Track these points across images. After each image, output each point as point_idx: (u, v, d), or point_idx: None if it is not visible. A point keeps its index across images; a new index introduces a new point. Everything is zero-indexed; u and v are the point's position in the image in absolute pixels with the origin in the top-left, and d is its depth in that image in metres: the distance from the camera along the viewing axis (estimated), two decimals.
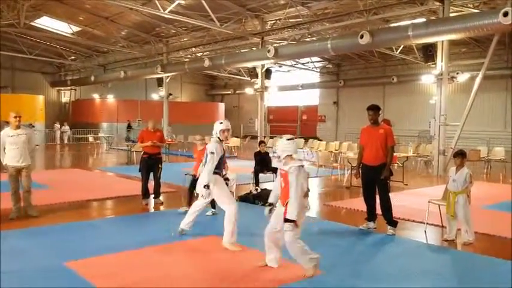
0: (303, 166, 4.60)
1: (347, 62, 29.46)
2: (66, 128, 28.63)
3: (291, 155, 4.60)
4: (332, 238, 6.50)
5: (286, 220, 4.45)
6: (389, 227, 6.60)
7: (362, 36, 13.73)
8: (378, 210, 6.76)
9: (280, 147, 4.66)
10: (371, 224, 6.83)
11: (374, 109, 6.62)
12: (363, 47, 14.76)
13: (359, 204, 8.17)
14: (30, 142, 7.48)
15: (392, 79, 25.85)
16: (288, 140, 4.65)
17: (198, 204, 6.15)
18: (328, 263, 5.20)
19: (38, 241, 6.04)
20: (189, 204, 7.10)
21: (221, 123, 5.94)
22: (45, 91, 32.16)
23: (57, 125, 28.43)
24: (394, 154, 7.00)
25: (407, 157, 13.71)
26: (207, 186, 5.69)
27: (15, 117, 7.25)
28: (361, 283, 4.68)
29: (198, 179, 6.71)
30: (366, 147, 6.71)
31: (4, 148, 7.22)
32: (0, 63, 27.46)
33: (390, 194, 6.74)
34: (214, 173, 5.75)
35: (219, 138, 5.89)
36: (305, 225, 4.87)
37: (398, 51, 20.98)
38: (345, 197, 10.08)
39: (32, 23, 22.18)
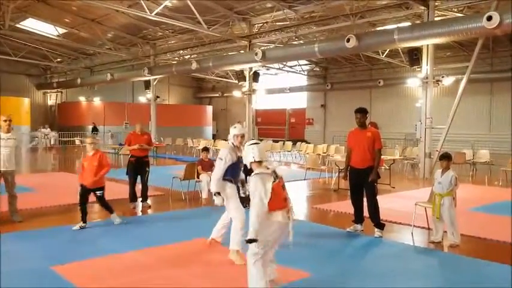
0: (269, 173, 3.97)
1: (334, 65, 29.64)
2: (47, 130, 28.19)
3: (258, 161, 4.08)
4: (320, 240, 6.52)
5: (247, 241, 3.85)
6: (376, 229, 6.63)
7: (348, 40, 13.83)
8: (366, 213, 6.80)
9: (243, 153, 4.28)
10: (358, 227, 6.86)
11: (362, 112, 6.66)
12: (349, 50, 14.85)
13: (346, 206, 8.21)
14: (17, 147, 7.42)
15: (379, 82, 26.07)
16: (250, 144, 4.17)
17: (224, 218, 5.72)
18: (315, 264, 5.24)
19: (24, 245, 5.96)
20: (84, 220, 6.86)
21: (235, 127, 5.50)
22: (31, 94, 31.80)
23: (46, 129, 28.08)
24: (381, 157, 7.03)
25: (394, 160, 13.82)
26: (217, 194, 5.28)
27: (5, 120, 7.14)
28: (349, 284, 4.71)
29: (89, 190, 6.94)
30: (353, 150, 6.75)
31: None
32: None
33: (377, 197, 6.78)
34: (225, 179, 5.30)
35: (233, 144, 5.43)
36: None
37: (385, 54, 21.19)
38: (332, 200, 10.12)
39: (17, 25, 21.92)
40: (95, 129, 28.48)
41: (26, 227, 6.92)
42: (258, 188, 3.81)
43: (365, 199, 6.75)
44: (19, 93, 28.74)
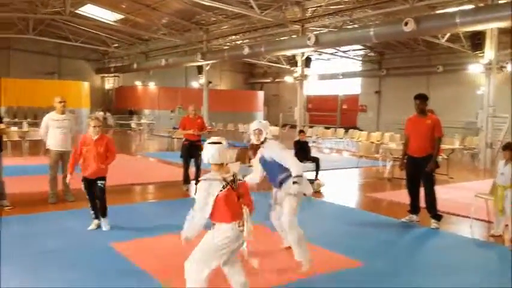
0: (218, 179, 3.36)
1: (390, 50, 28.67)
2: (101, 113, 29.13)
3: (219, 163, 3.42)
4: (372, 229, 6.41)
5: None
6: (433, 220, 6.42)
7: (406, 24, 13.28)
8: (422, 203, 6.58)
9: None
10: (414, 217, 6.66)
11: (421, 98, 6.41)
12: (407, 34, 14.31)
13: (401, 196, 8.00)
14: (72, 128, 7.63)
15: (438, 68, 25.03)
16: (209, 143, 3.49)
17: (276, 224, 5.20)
18: (368, 254, 5.15)
19: (84, 222, 6.24)
20: (97, 217, 5.97)
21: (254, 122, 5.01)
22: (90, 78, 33.08)
23: (100, 112, 29.17)
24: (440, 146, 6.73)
25: (452, 149, 13.26)
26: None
27: (60, 102, 7.41)
28: (403, 275, 4.60)
29: (93, 181, 5.83)
30: (411, 137, 6.52)
31: (47, 132, 7.37)
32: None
33: (435, 187, 6.53)
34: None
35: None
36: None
37: (445, 39, 20.18)
38: (386, 189, 9.88)
39: (77, 11, 22.75)
40: (131, 113, 29.14)
41: (84, 205, 7.21)
42: (199, 196, 3.38)
43: (422, 189, 6.53)
44: (79, 77, 29.95)
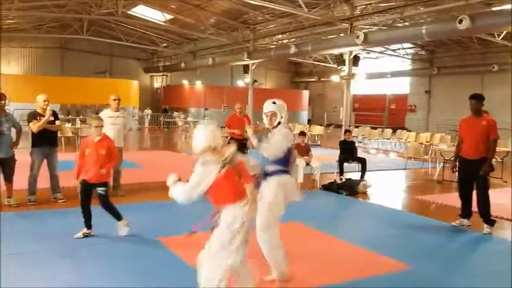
0: (216, 162, 3.28)
1: (442, 48, 27.71)
2: (149, 111, 29.98)
3: (212, 147, 3.31)
4: (421, 232, 6.21)
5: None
6: (485, 225, 6.14)
7: (461, 21, 12.78)
8: (474, 207, 6.31)
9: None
10: (465, 221, 6.39)
11: (477, 98, 6.13)
12: (461, 32, 13.76)
13: (451, 199, 7.73)
14: (126, 125, 7.90)
15: (493, 67, 23.95)
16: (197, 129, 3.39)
17: None
18: (416, 257, 5.00)
19: (131, 217, 6.41)
20: (88, 226, 5.34)
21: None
22: (139, 76, 34.03)
23: (149, 110, 30.00)
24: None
25: (507, 152, 12.62)
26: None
27: (115, 99, 7.67)
28: (452, 281, 4.43)
29: (91, 186, 5.29)
30: (465, 139, 6.25)
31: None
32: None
33: (489, 191, 6.24)
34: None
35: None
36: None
37: (501, 37, 19.30)
38: (435, 191, 9.55)
39: (129, 12, 23.45)
40: (165, 111, 29.69)
41: (132, 200, 7.43)
42: (193, 177, 3.39)
43: (474, 192, 6.25)
44: (129, 75, 30.91)
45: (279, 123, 4.09)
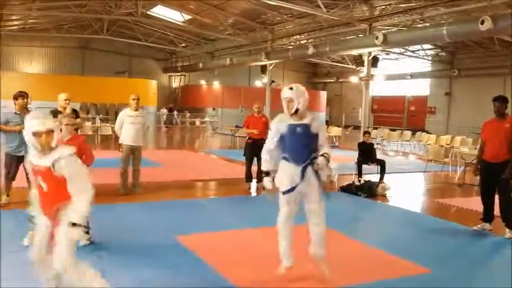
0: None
1: (463, 49, 27.26)
2: (165, 111, 30.15)
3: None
4: (441, 236, 6.11)
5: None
6: (508, 230, 6.01)
7: (482, 22, 12.56)
8: (496, 212, 6.18)
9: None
10: (487, 225, 6.26)
11: (501, 100, 6.00)
12: (483, 33, 13.52)
13: (472, 203, 7.61)
14: (145, 124, 7.98)
15: None
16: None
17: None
18: (436, 261, 4.92)
19: (150, 215, 6.47)
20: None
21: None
22: (158, 76, 34.30)
23: (164, 110, 30.19)
24: None
25: None
26: (265, 174, 4.17)
27: (134, 99, 7.74)
28: (472, 285, 4.36)
29: None
30: (487, 142, 6.13)
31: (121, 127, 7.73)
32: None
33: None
34: (283, 157, 4.11)
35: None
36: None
37: None
38: (456, 195, 9.39)
39: (148, 12, 23.66)
40: (170, 111, 29.82)
41: (151, 198, 7.49)
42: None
43: (497, 196, 6.13)
44: (148, 75, 31.19)
45: (297, 109, 3.99)
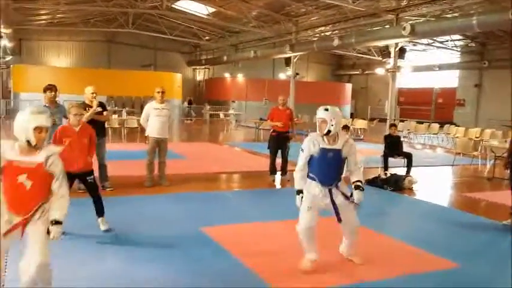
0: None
1: (493, 40, 26.49)
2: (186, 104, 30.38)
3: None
4: (469, 230, 6.01)
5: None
6: None
7: None
8: None
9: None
10: None
11: None
12: None
13: (502, 197, 7.38)
14: (170, 117, 8.03)
15: None
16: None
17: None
18: (464, 255, 4.83)
19: (176, 206, 6.54)
20: None
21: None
22: (182, 69, 34.53)
23: (185, 103, 30.44)
24: None
25: None
26: (298, 192, 4.25)
27: (159, 92, 7.80)
28: (502, 282, 4.23)
29: (76, 176, 5.03)
30: None
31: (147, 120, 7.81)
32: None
33: None
34: (309, 176, 4.25)
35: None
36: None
37: None
38: (485, 189, 9.17)
39: (173, 5, 23.79)
40: (190, 103, 29.90)
41: (176, 190, 7.55)
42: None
43: None
44: (173, 69, 31.41)
45: (329, 131, 4.07)
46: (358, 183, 4.19)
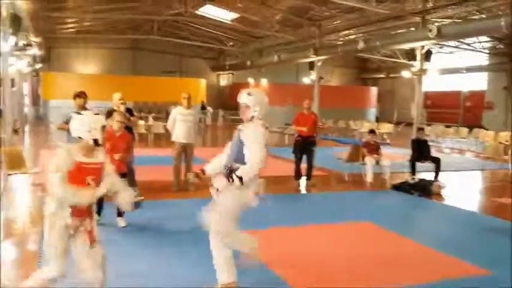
0: None
1: None
2: (209, 109, 30.44)
3: None
4: (500, 237, 5.86)
5: None
6: None
7: None
8: None
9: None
10: None
11: None
12: None
13: None
14: (196, 122, 8.13)
15: None
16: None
17: None
18: (497, 262, 4.72)
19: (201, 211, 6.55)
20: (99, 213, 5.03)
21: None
22: (206, 75, 34.83)
23: (210, 108, 30.57)
24: None
25: None
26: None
27: (185, 97, 7.91)
28: None
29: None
30: None
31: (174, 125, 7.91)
32: None
33: None
34: None
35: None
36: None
37: None
38: None
39: (197, 12, 24.05)
40: (203, 108, 29.96)
41: (202, 195, 7.57)
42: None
43: None
44: (197, 74, 31.74)
45: (253, 117, 3.87)
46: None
